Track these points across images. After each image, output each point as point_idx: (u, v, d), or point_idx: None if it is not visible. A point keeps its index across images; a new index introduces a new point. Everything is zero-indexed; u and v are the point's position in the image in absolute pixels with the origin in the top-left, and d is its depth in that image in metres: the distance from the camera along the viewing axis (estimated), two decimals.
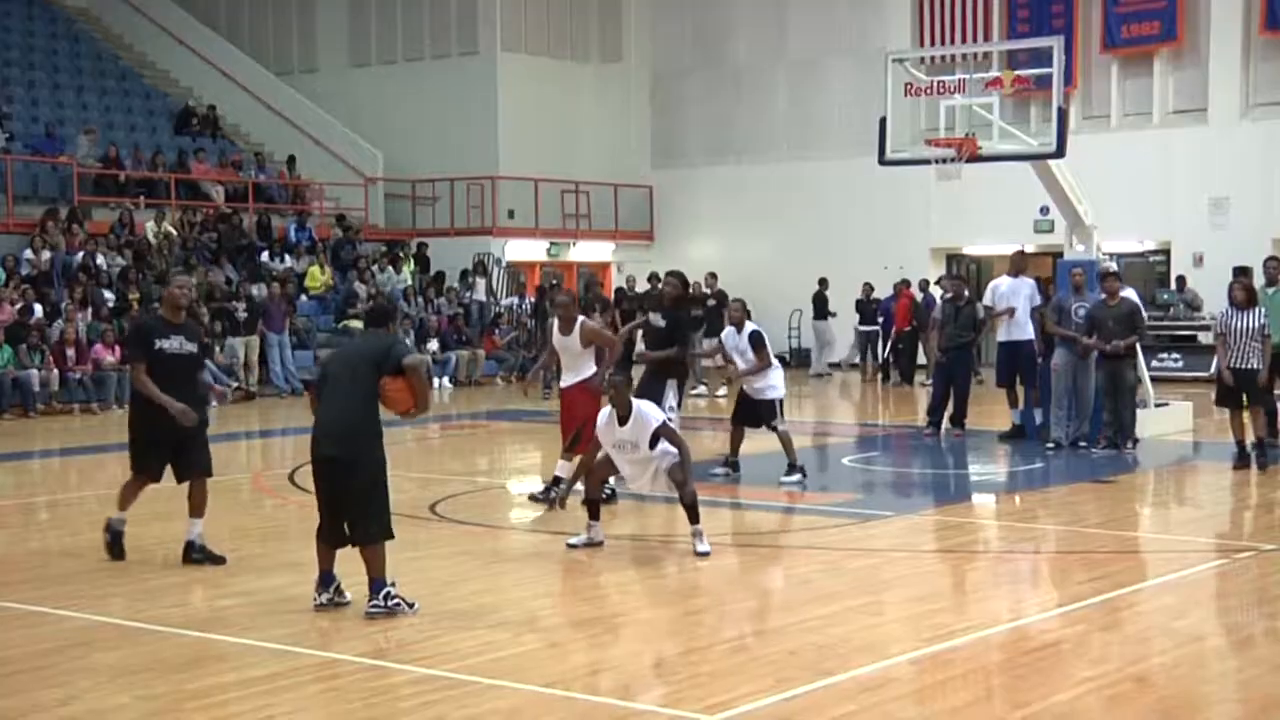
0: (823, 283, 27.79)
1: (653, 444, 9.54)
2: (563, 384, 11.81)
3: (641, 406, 9.66)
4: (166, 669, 6.86)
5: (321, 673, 6.83)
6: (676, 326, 13.03)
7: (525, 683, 6.63)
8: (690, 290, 23.25)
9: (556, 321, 11.77)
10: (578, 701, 6.39)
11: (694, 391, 22.16)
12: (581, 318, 11.74)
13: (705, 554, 9.43)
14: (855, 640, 7.37)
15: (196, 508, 9.45)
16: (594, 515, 9.84)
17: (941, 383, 16.73)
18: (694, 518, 9.56)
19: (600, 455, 9.86)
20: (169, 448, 9.32)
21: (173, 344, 9.26)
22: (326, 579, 8.03)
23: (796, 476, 12.97)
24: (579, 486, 10.31)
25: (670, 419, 10.14)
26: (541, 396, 23.31)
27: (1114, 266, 16.77)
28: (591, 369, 11.56)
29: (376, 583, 7.84)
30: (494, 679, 6.68)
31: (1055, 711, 6.23)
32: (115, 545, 9.56)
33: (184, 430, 9.19)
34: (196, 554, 9.41)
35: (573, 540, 9.84)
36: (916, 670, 6.95)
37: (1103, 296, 14.84)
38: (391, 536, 7.92)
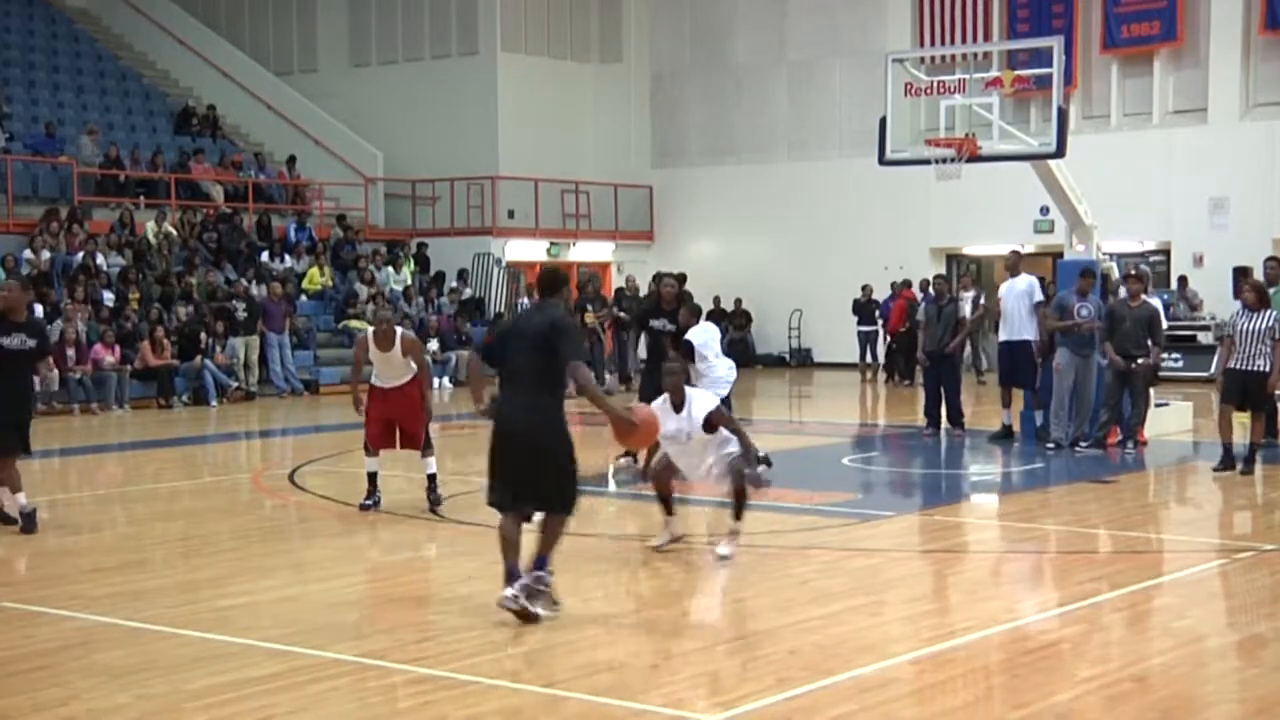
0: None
1: (708, 430, 9.23)
2: (389, 385, 11.43)
3: (695, 393, 9.38)
4: (166, 669, 6.86)
5: (321, 673, 6.83)
6: (681, 329, 13.00)
7: (525, 683, 6.63)
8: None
9: (372, 338, 11.44)
10: (578, 702, 6.39)
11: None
12: (400, 329, 11.50)
13: (726, 558, 9.26)
14: (855, 640, 7.37)
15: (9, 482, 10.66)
16: (669, 511, 9.71)
17: (932, 384, 16.81)
18: (739, 513, 9.35)
19: (660, 455, 9.69)
20: None
21: (13, 341, 10.56)
22: (514, 573, 7.64)
23: (762, 468, 12.99)
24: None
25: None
26: None
27: (1145, 269, 16.85)
28: (413, 371, 11.43)
29: (541, 560, 7.69)
30: (494, 679, 6.68)
31: (1055, 711, 6.23)
32: None
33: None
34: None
35: (654, 542, 9.69)
36: (917, 670, 6.95)
37: (1124, 295, 14.89)
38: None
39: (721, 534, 9.57)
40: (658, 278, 14.55)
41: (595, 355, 24.14)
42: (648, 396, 13.79)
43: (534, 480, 7.71)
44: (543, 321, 7.72)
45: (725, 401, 12.91)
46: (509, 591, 7.56)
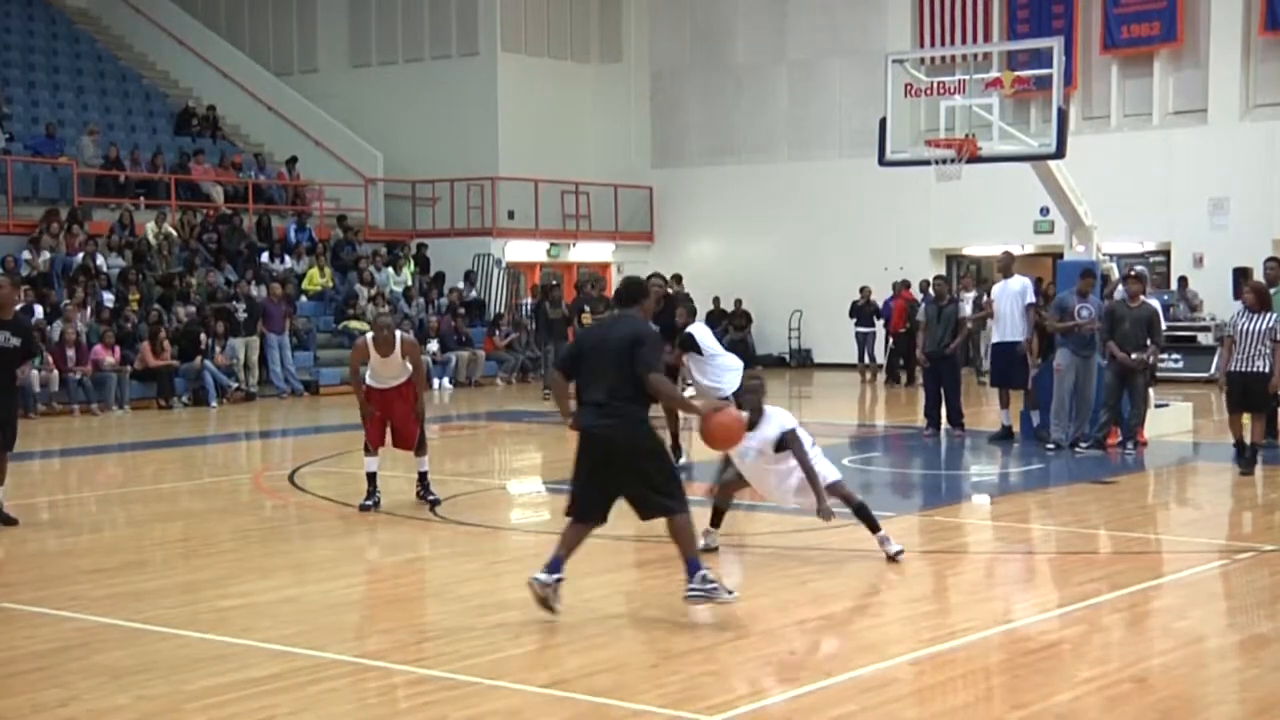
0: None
1: (778, 449, 9.17)
2: (385, 385, 11.44)
3: (774, 411, 9.26)
4: (166, 670, 6.86)
5: (322, 673, 6.83)
6: (667, 329, 13.16)
7: (525, 683, 6.63)
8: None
9: (372, 344, 11.44)
10: (578, 702, 6.39)
11: None
12: (399, 333, 11.53)
13: (899, 553, 9.19)
14: (855, 640, 7.37)
15: None
16: (715, 523, 9.69)
17: (931, 384, 16.83)
18: (873, 526, 9.30)
19: (730, 469, 9.63)
20: None
21: None
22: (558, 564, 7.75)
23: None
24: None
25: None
26: (543, 397, 23.35)
27: (1143, 269, 16.86)
28: (409, 371, 11.46)
29: (691, 563, 7.72)
30: (494, 679, 6.69)
31: (1055, 712, 6.23)
32: None
33: None
34: None
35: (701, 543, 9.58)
36: (916, 671, 6.95)
37: (1124, 296, 14.90)
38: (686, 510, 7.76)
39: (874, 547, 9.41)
40: (631, 278, 14.68)
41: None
42: None
43: (629, 489, 7.74)
44: (624, 332, 7.77)
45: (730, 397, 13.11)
46: (540, 576, 7.66)
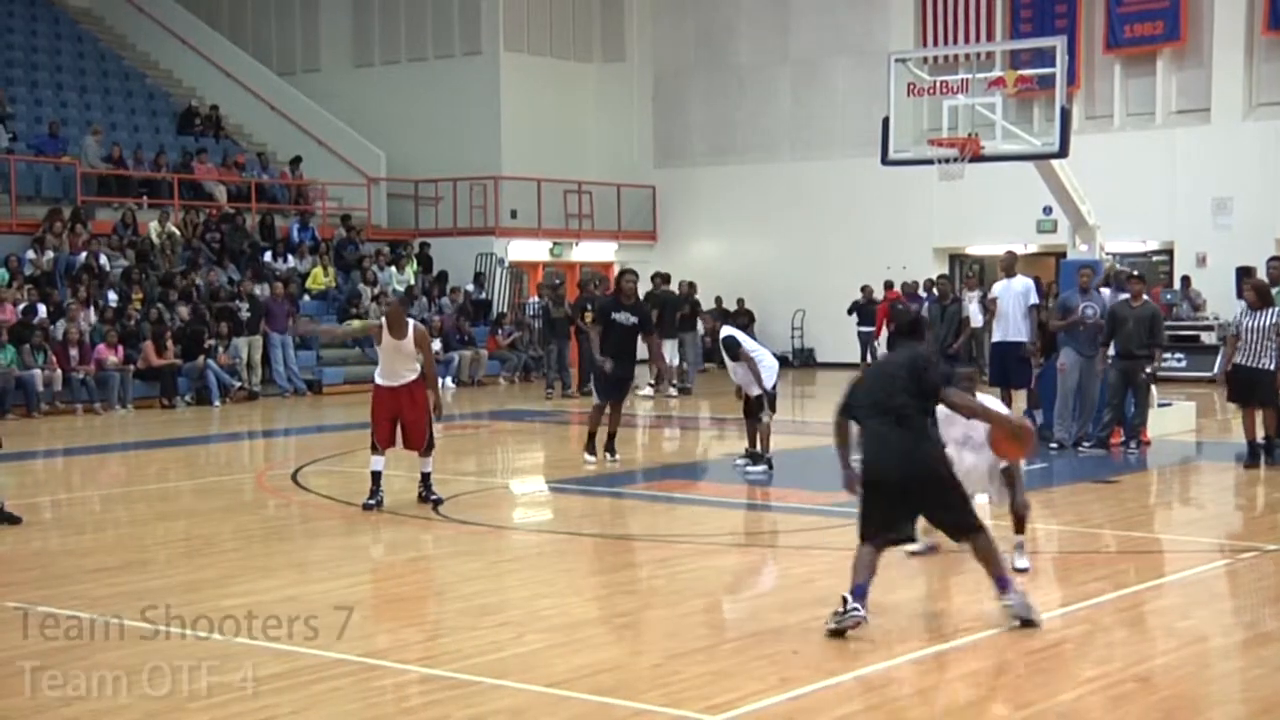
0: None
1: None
2: (395, 383, 11.42)
3: (986, 400, 8.99)
4: (169, 669, 6.85)
5: (324, 673, 6.83)
6: (644, 321, 14.22)
7: (529, 683, 6.62)
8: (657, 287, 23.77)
9: (387, 324, 11.43)
10: (581, 701, 6.39)
11: (641, 393, 22.22)
12: (411, 320, 11.53)
13: (1024, 570, 8.88)
14: (859, 640, 7.36)
15: None
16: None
17: None
18: (1020, 527, 9.08)
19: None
20: None
21: None
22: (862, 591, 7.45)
23: (762, 468, 13.47)
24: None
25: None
26: (545, 396, 23.35)
27: (1135, 271, 16.83)
28: (418, 369, 11.46)
29: (1000, 581, 7.60)
30: (498, 679, 6.68)
31: (1058, 711, 6.22)
32: None
33: None
34: None
35: (912, 548, 9.22)
36: (920, 670, 6.95)
37: (1125, 296, 14.90)
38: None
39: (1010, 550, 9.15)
40: (620, 274, 15.22)
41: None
42: (607, 389, 14.14)
43: (929, 512, 7.70)
44: (903, 360, 7.76)
45: (771, 392, 13.48)
46: (852, 608, 7.34)
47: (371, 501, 11.49)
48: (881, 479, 7.50)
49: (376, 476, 11.55)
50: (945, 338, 16.44)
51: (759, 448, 13.60)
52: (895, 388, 7.58)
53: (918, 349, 7.90)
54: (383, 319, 11.66)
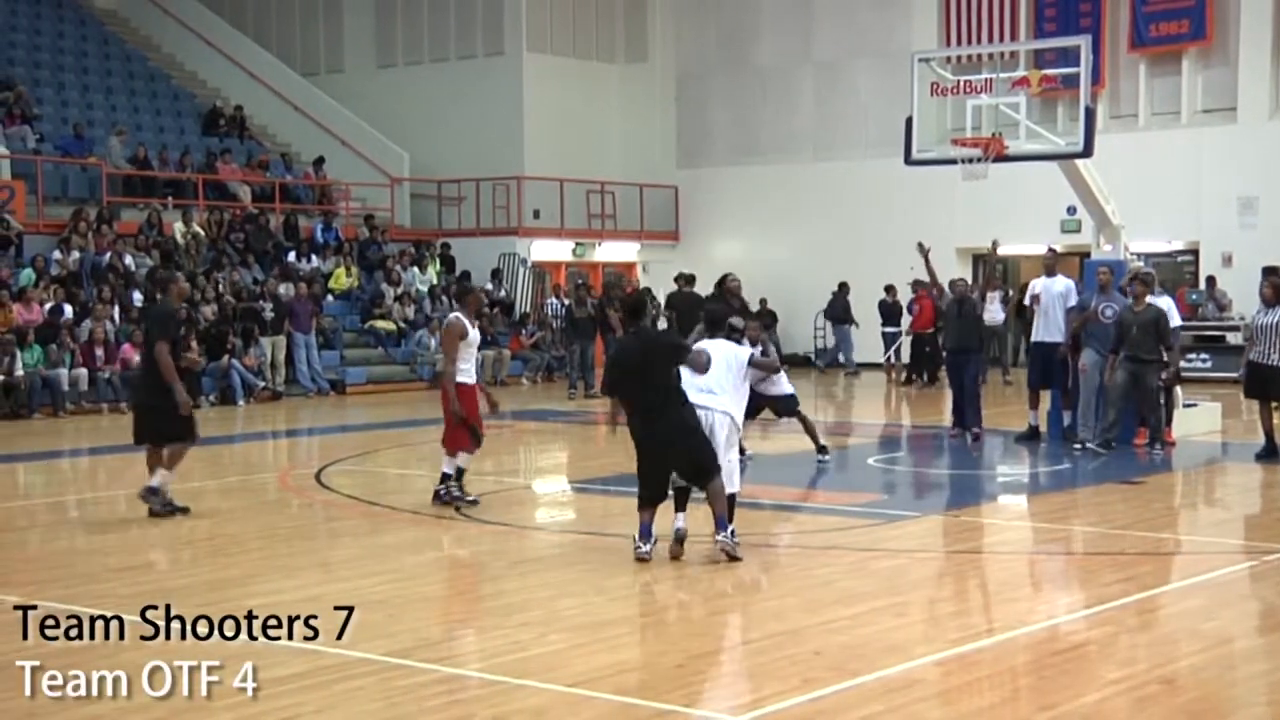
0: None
1: None
2: (469, 379, 11.30)
3: None
4: (192, 668, 6.87)
5: (347, 672, 6.85)
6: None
7: (551, 682, 6.63)
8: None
9: (466, 313, 11.36)
10: (603, 701, 6.39)
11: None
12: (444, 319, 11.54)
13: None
14: (881, 641, 7.35)
15: None
16: None
17: (956, 383, 16.70)
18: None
19: None
20: None
21: None
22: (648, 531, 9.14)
23: (827, 457, 14.35)
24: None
25: None
26: (568, 396, 23.37)
27: (1148, 269, 16.64)
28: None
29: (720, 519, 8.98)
30: (520, 678, 6.69)
31: (1082, 713, 6.20)
32: None
33: None
34: None
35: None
36: (942, 671, 6.93)
37: (1129, 300, 14.77)
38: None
39: (712, 537, 9.51)
40: (723, 276, 15.97)
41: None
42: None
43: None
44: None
45: (791, 398, 14.24)
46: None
47: (471, 498, 11.47)
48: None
49: (461, 473, 11.47)
50: (961, 336, 16.30)
51: (816, 441, 14.36)
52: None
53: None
54: (458, 315, 11.40)
